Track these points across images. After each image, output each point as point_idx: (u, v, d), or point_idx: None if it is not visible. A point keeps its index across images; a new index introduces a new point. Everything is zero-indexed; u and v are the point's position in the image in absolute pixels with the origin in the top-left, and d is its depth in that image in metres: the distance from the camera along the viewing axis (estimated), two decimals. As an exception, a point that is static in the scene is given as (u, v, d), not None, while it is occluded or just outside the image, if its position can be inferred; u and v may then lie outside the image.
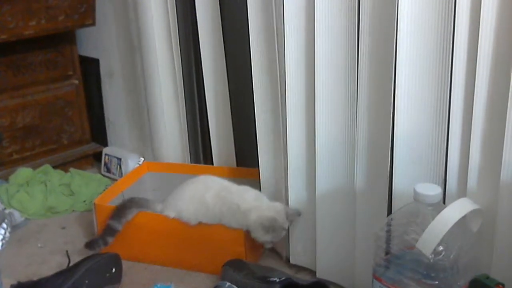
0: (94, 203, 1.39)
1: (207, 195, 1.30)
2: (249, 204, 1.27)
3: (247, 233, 1.27)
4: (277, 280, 1.15)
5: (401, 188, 1.08)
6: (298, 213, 1.28)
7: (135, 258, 1.37)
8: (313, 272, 1.30)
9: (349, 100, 1.13)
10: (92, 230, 1.43)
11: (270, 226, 1.23)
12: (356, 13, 1.06)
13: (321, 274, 1.28)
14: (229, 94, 1.47)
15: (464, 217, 0.94)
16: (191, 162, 1.65)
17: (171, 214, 1.32)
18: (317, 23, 1.10)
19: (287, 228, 1.27)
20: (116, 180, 1.67)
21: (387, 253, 1.01)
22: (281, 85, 1.23)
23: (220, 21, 1.40)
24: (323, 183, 1.21)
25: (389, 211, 1.12)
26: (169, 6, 1.49)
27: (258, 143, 1.32)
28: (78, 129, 1.92)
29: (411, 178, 1.06)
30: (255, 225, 1.24)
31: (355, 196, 1.17)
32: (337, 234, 1.23)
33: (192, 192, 1.33)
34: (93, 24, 1.75)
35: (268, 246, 1.29)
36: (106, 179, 1.79)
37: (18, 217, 1.57)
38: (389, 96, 1.04)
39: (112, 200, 1.45)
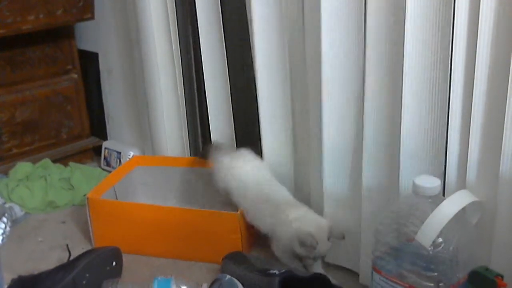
0: (87, 197, 1.40)
1: (266, 206, 1.28)
2: (297, 213, 1.23)
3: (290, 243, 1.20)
4: (277, 273, 1.15)
5: (401, 181, 1.08)
6: (342, 236, 1.20)
7: (135, 251, 1.37)
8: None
9: (355, 97, 1.13)
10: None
11: (304, 241, 1.17)
12: (363, 13, 1.07)
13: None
14: (229, 86, 1.47)
15: (463, 210, 0.94)
16: (190, 155, 1.65)
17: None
18: (323, 22, 1.10)
19: (323, 250, 1.19)
20: (114, 174, 1.68)
21: (387, 245, 1.02)
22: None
23: (220, 13, 1.40)
24: (330, 177, 1.22)
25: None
26: (167, -1, 1.49)
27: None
28: (77, 123, 1.92)
29: (411, 171, 1.07)
30: (292, 236, 1.19)
31: (363, 190, 1.17)
32: (344, 226, 1.24)
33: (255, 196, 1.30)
34: (92, 18, 1.74)
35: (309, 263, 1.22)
36: (106, 173, 1.79)
37: (18, 211, 1.58)
38: (398, 92, 1.04)
39: (104, 193, 1.45)
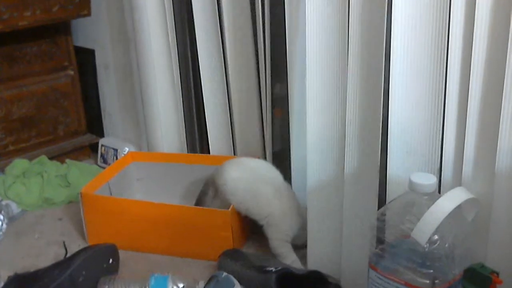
0: (81, 193, 1.39)
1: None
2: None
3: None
4: (273, 270, 1.15)
5: (397, 178, 1.08)
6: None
7: (129, 247, 1.37)
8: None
9: (339, 90, 1.13)
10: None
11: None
12: (347, 2, 1.06)
13: (311, 264, 1.28)
14: (226, 81, 1.47)
15: (459, 207, 0.94)
16: (187, 152, 1.65)
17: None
18: (308, 10, 1.09)
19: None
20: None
21: (382, 242, 1.02)
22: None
23: (216, 8, 1.40)
24: (312, 173, 1.21)
25: (384, 201, 1.12)
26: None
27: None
28: (74, 120, 1.92)
29: (407, 168, 1.07)
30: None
31: (345, 186, 1.17)
32: (327, 225, 1.23)
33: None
34: (89, 14, 1.74)
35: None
36: (102, 170, 1.79)
37: (14, 208, 1.58)
38: (380, 85, 1.04)
39: (98, 189, 1.45)
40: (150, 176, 1.60)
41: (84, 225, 1.42)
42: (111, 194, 1.49)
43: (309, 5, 1.09)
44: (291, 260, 1.27)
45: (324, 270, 1.18)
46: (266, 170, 1.37)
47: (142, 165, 1.60)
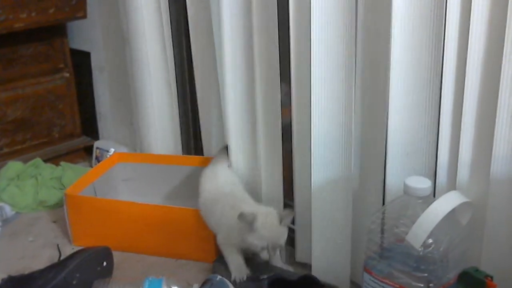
0: (65, 194, 1.39)
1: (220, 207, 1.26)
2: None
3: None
4: (266, 276, 1.15)
5: (392, 182, 1.09)
6: (292, 221, 1.22)
7: (118, 248, 1.36)
8: (308, 266, 1.30)
9: (345, 96, 1.13)
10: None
11: (244, 217, 1.13)
12: (354, 13, 1.06)
13: (316, 270, 1.27)
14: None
15: (454, 210, 0.94)
16: (183, 154, 1.65)
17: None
18: (313, 19, 1.10)
19: (275, 236, 1.16)
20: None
21: (378, 246, 1.02)
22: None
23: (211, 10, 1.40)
24: (317, 177, 1.21)
25: (382, 204, 1.12)
26: (160, -3, 1.49)
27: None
28: (69, 122, 1.91)
29: (402, 171, 1.07)
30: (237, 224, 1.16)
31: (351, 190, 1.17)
32: (332, 227, 1.23)
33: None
34: (84, 16, 1.74)
35: (264, 256, 1.16)
36: (97, 172, 1.79)
37: (9, 211, 1.57)
38: (385, 92, 1.04)
39: (82, 190, 1.45)
40: (136, 177, 1.59)
41: (68, 226, 1.41)
42: (96, 195, 1.49)
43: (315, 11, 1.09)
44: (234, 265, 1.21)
45: (329, 275, 1.19)
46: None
47: (128, 166, 1.60)
